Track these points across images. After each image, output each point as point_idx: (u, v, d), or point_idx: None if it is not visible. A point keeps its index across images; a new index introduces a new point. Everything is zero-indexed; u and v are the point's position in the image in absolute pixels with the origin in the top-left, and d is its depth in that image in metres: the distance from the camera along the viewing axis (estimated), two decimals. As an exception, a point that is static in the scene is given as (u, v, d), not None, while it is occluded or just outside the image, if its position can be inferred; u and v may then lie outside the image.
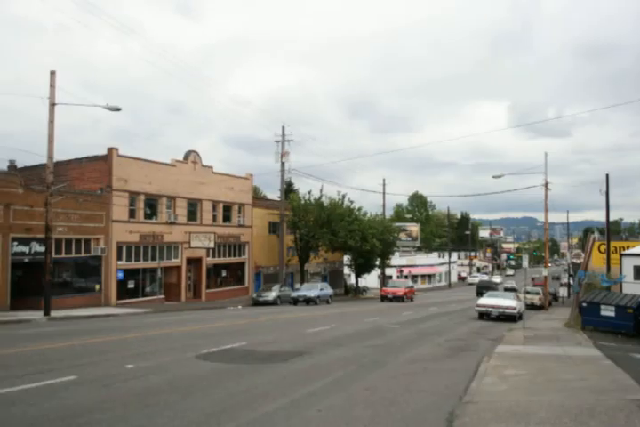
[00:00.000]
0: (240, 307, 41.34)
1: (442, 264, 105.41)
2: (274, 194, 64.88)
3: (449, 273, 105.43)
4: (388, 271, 78.50)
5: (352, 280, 71.65)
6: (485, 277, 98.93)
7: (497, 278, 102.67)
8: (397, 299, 53.52)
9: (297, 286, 54.51)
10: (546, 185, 46.42)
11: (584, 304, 27.57)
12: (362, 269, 66.04)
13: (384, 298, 54.68)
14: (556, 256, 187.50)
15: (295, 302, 45.27)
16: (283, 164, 51.12)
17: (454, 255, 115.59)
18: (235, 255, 52.50)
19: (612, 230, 63.19)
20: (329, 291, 49.77)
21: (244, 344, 17.49)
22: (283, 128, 51.15)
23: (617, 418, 9.25)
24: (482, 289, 60.75)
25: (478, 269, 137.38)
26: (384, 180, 70.34)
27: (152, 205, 43.26)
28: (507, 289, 67.26)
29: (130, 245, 40.64)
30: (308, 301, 45.17)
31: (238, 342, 17.89)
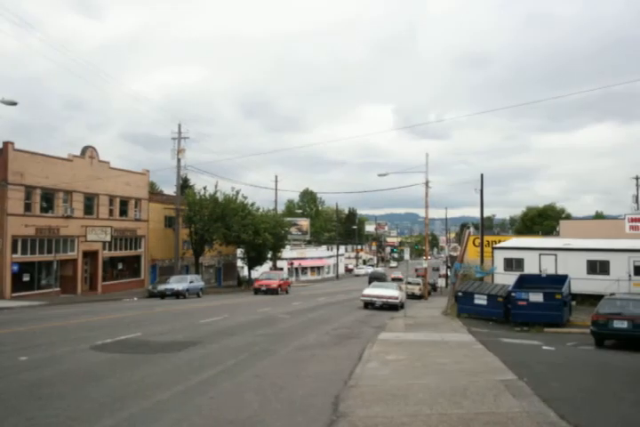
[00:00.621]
0: (136, 299, 40.46)
1: (330, 257, 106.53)
2: (171, 190, 63.68)
3: (337, 265, 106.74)
4: (280, 264, 78.62)
5: (245, 272, 71.44)
6: (381, 270, 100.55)
7: (381, 270, 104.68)
8: (271, 291, 47.84)
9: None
10: (427, 183, 47.67)
11: (460, 294, 28.55)
12: (254, 261, 65.95)
13: (257, 291, 48.04)
14: (435, 249, 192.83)
15: (162, 295, 41.53)
16: (179, 160, 50.32)
17: (342, 248, 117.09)
18: (131, 249, 51.33)
19: (486, 226, 65.80)
20: (199, 283, 46.75)
21: (139, 335, 17.14)
22: (179, 126, 50.32)
23: (487, 397, 9.66)
24: (374, 280, 61.88)
25: (364, 262, 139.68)
26: (276, 177, 70.42)
27: (48, 198, 41.71)
28: (394, 279, 68.52)
29: (25, 238, 39.00)
30: (177, 294, 41.71)
31: (133, 333, 17.51)
